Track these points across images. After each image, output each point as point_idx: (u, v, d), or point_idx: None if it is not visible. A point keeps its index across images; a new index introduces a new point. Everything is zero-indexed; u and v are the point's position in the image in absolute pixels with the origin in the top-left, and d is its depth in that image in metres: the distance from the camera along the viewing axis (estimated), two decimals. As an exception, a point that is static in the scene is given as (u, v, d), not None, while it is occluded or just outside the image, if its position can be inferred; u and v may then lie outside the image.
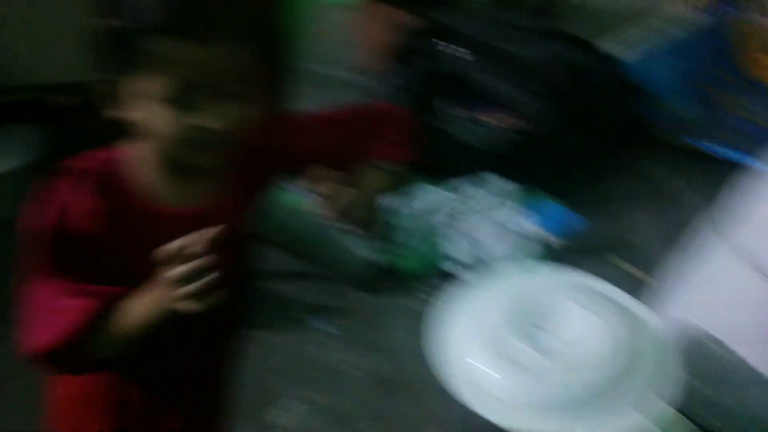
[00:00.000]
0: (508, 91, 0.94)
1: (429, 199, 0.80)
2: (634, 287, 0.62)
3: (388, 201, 0.75)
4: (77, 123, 2.20)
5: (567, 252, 0.78)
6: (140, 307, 0.64)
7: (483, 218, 0.80)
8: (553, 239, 0.79)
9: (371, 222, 0.74)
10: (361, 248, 0.71)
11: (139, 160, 0.68)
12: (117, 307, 0.65)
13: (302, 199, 0.68)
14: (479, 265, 0.73)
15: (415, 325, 0.71)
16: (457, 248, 0.75)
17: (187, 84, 0.61)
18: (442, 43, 1.04)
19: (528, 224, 0.80)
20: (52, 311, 0.65)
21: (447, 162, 0.90)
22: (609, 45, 1.33)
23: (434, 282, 0.74)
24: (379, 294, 0.73)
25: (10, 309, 0.66)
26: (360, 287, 0.73)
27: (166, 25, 0.59)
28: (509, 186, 0.83)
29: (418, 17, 1.26)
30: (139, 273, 0.64)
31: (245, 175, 0.74)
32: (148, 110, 0.63)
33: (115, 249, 0.68)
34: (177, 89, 0.61)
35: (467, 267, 0.74)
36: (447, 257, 0.76)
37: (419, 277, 0.75)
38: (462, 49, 1.02)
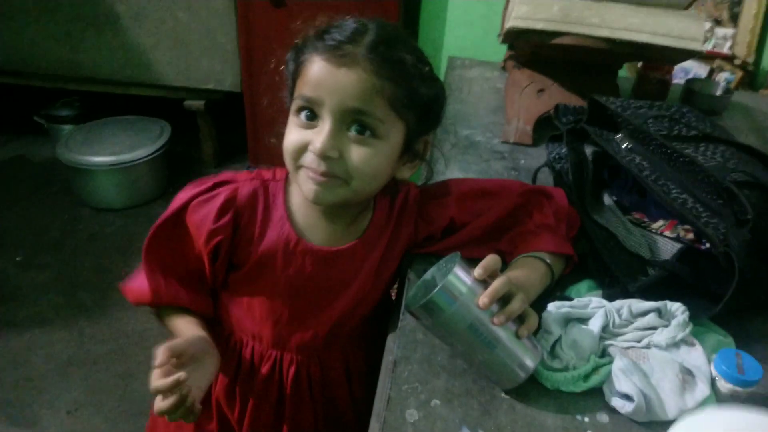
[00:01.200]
0: (686, 202, 0.79)
1: (588, 307, 0.66)
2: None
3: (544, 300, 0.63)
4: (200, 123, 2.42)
5: (737, 401, 0.62)
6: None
7: (653, 348, 0.64)
8: (725, 386, 0.63)
9: (529, 322, 0.64)
10: (515, 350, 0.60)
11: (296, 189, 0.76)
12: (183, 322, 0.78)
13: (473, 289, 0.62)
14: (643, 401, 0.57)
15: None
16: (620, 375, 0.59)
17: (314, 101, 0.67)
18: (610, 133, 0.92)
19: (702, 364, 0.63)
20: (157, 282, 0.77)
21: (607, 266, 0.76)
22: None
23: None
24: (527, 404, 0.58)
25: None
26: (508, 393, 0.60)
27: (322, 44, 0.67)
28: (685, 315, 0.68)
29: (579, 96, 1.15)
30: (253, 280, 0.78)
31: (384, 231, 0.79)
32: (288, 125, 0.72)
33: (252, 253, 0.76)
34: (305, 104, 0.68)
35: (627, 399, 0.58)
36: (610, 384, 0.60)
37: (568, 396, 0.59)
38: (633, 145, 0.89)
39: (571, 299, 0.74)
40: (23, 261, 2.11)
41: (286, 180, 0.79)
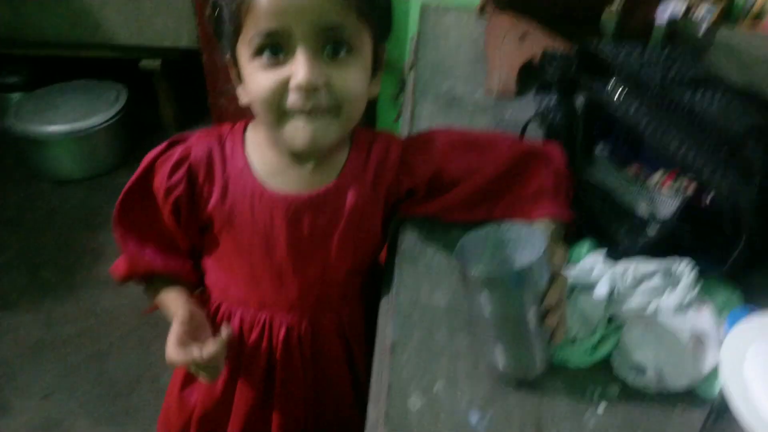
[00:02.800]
0: (688, 153, 0.74)
1: (592, 273, 0.61)
2: None
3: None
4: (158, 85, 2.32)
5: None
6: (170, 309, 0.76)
7: (662, 313, 0.60)
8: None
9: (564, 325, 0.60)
10: (547, 348, 0.56)
11: (258, 145, 0.72)
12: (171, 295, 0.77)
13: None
14: (655, 371, 0.53)
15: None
16: (630, 345, 0.55)
17: (278, 33, 0.60)
18: (601, 79, 0.86)
19: (713, 327, 0.60)
20: (131, 251, 0.76)
21: (605, 228, 0.71)
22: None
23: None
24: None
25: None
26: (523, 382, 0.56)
27: None
28: (693, 275, 0.64)
29: (565, 41, 1.08)
30: (226, 239, 0.74)
31: (361, 176, 0.73)
32: (247, 74, 0.64)
33: (216, 210, 0.72)
34: (266, 40, 0.60)
35: (638, 370, 0.54)
36: (621, 356, 0.56)
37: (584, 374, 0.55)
38: (627, 92, 0.83)
39: (571, 260, 0.70)
40: (-22, 241, 2.00)
41: (245, 130, 0.74)
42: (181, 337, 0.68)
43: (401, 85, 1.46)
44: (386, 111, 2.35)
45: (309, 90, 0.61)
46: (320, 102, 0.62)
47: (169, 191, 0.72)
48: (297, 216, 0.72)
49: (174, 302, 0.76)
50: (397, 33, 2.25)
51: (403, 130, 1.17)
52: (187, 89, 2.48)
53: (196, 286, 0.82)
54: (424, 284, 0.69)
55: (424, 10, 1.40)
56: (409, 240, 0.75)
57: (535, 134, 0.93)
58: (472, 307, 0.58)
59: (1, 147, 2.37)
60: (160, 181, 0.72)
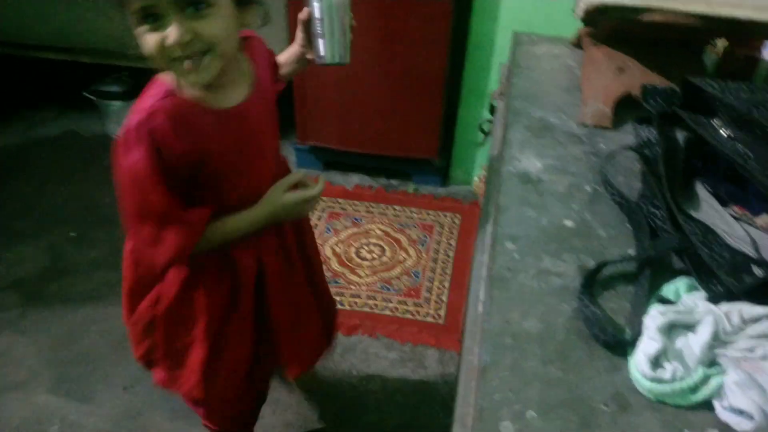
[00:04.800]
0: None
1: (694, 312, 0.60)
2: None
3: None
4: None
5: None
6: (254, 218, 1.00)
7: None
8: None
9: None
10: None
11: (180, 81, 0.89)
12: (230, 217, 0.98)
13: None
14: (763, 419, 0.51)
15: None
16: (734, 389, 0.53)
17: (148, 8, 0.79)
18: (706, 115, 0.84)
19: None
20: (172, 232, 0.90)
21: (706, 266, 0.69)
22: None
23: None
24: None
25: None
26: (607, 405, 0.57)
27: None
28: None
29: (663, 76, 1.07)
30: (228, 165, 0.95)
31: (259, 78, 0.99)
32: (138, 37, 0.83)
33: (201, 153, 0.90)
34: (142, 13, 0.79)
35: (743, 415, 0.52)
36: (724, 399, 0.54)
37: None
38: (734, 130, 0.81)
39: (670, 301, 0.68)
40: (77, 237, 2.14)
41: (171, 89, 0.90)
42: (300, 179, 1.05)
43: (490, 110, 1.47)
44: (470, 132, 2.36)
45: (181, 45, 0.80)
46: (195, 48, 0.82)
47: (170, 159, 0.88)
48: (252, 115, 0.96)
49: (232, 218, 0.98)
50: (481, 60, 2.28)
51: (492, 154, 1.18)
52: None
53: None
54: (515, 309, 0.69)
55: (516, 39, 1.41)
56: (501, 264, 0.75)
57: (627, 165, 0.92)
58: (312, 16, 1.00)
59: (102, 150, 2.53)
60: (165, 156, 0.87)
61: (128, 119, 0.87)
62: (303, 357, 1.25)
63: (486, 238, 0.87)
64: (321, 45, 1.02)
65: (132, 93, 2.54)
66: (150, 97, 0.88)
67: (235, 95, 0.94)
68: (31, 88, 2.93)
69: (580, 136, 1.02)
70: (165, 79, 0.90)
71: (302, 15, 1.03)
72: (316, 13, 0.99)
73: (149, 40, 0.81)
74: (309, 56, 1.09)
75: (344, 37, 1.02)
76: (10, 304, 1.87)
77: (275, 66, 1.10)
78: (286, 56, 1.12)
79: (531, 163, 0.95)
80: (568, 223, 0.83)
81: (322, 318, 1.29)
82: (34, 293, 1.91)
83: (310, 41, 1.05)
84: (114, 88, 2.60)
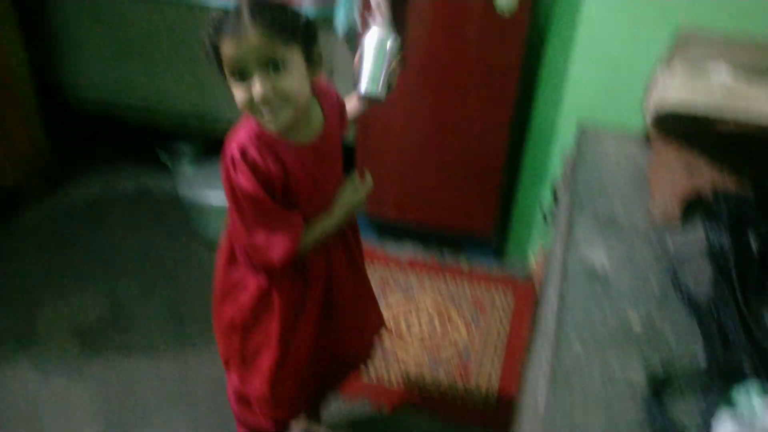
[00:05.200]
0: None
1: (764, 417, 0.58)
2: None
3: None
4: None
5: None
6: (336, 216, 1.19)
7: None
8: None
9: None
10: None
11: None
12: (315, 221, 1.16)
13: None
14: None
15: None
16: None
17: (239, 66, 0.97)
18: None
19: None
20: (280, 235, 1.08)
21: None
22: None
23: None
24: None
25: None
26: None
27: (222, 32, 0.97)
28: None
29: (734, 176, 1.06)
30: (304, 187, 1.11)
31: (328, 118, 1.15)
32: (231, 88, 1.02)
33: (285, 175, 1.07)
34: (234, 70, 0.98)
35: None
36: None
37: None
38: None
39: (741, 406, 0.66)
40: (140, 290, 2.22)
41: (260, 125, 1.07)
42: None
43: (553, 195, 1.48)
44: (527, 212, 2.37)
45: (263, 98, 0.98)
46: (273, 100, 0.99)
47: (268, 179, 1.05)
48: (323, 151, 1.14)
49: (319, 221, 1.16)
50: (543, 143, 2.30)
51: (555, 244, 1.18)
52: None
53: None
54: (580, 412, 0.68)
55: (581, 128, 1.43)
56: (565, 363, 0.74)
57: (702, 267, 0.91)
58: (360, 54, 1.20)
59: (172, 208, 2.66)
60: (263, 176, 1.05)
61: (229, 145, 1.07)
62: (366, 346, 1.43)
63: (548, 330, 0.86)
64: (361, 77, 1.18)
65: (204, 155, 2.68)
66: (245, 131, 1.07)
67: (308, 133, 1.11)
68: (113, 145, 3.13)
69: (647, 232, 1.02)
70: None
71: (357, 59, 1.21)
72: (363, 50, 1.17)
73: (239, 92, 1.00)
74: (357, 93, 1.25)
75: (384, 75, 1.18)
76: (70, 351, 1.94)
77: (342, 107, 1.25)
78: (349, 100, 1.29)
79: (597, 257, 0.95)
80: (636, 323, 0.82)
81: (375, 303, 1.47)
82: (94, 341, 1.97)
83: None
84: (187, 150, 2.74)
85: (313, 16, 2.28)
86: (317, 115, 1.14)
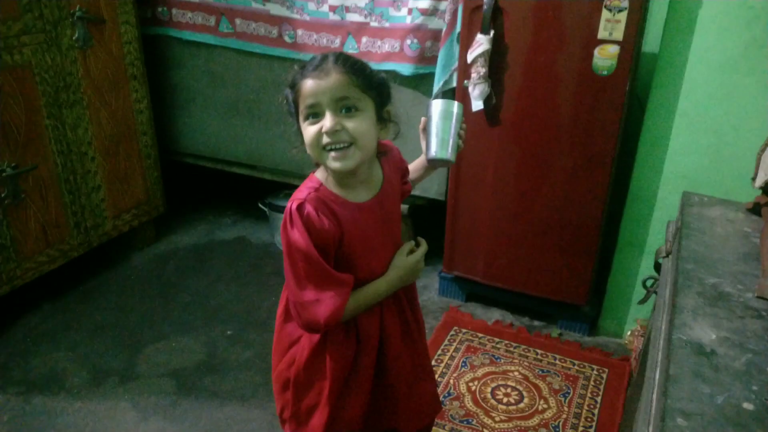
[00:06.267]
0: None
1: None
2: None
3: None
4: (402, 226, 2.55)
5: None
6: (389, 282, 1.18)
7: None
8: None
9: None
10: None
11: (327, 179, 1.11)
12: (368, 285, 1.16)
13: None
14: None
15: None
16: None
17: (314, 105, 1.03)
18: None
19: None
20: (329, 294, 1.07)
21: None
22: None
23: None
24: None
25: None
26: None
27: (306, 71, 1.05)
28: None
29: None
30: (359, 246, 1.13)
31: (387, 181, 1.18)
32: (302, 130, 1.08)
33: (341, 232, 1.09)
34: (309, 110, 1.04)
35: None
36: None
37: None
38: None
39: None
40: (233, 335, 2.31)
41: (321, 183, 1.11)
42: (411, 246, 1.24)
43: (655, 268, 1.43)
44: (623, 284, 2.27)
45: (332, 132, 1.02)
46: (341, 138, 1.03)
47: (322, 235, 1.06)
48: (378, 211, 1.15)
49: (372, 284, 1.16)
50: (641, 213, 2.23)
51: (658, 317, 1.13)
52: (424, 232, 2.68)
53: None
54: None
55: (686, 199, 1.38)
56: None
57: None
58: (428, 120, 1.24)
59: (267, 258, 2.79)
60: (317, 233, 1.06)
61: (289, 203, 1.08)
62: (420, 416, 1.35)
63: (652, 409, 0.82)
64: (431, 143, 1.21)
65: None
66: (305, 188, 1.10)
67: (365, 193, 1.14)
68: (218, 196, 3.35)
69: (759, 309, 0.96)
70: (317, 176, 1.13)
71: (422, 124, 1.24)
72: (431, 116, 1.21)
73: (310, 130, 1.05)
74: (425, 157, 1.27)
75: (452, 139, 1.21)
76: (167, 390, 2.03)
77: (405, 172, 1.29)
78: (414, 164, 1.33)
79: (704, 333, 0.90)
80: (748, 405, 0.77)
81: (432, 378, 1.40)
82: (188, 384, 2.06)
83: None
84: (285, 203, 2.88)
85: (410, 73, 2.37)
86: (377, 175, 1.17)
